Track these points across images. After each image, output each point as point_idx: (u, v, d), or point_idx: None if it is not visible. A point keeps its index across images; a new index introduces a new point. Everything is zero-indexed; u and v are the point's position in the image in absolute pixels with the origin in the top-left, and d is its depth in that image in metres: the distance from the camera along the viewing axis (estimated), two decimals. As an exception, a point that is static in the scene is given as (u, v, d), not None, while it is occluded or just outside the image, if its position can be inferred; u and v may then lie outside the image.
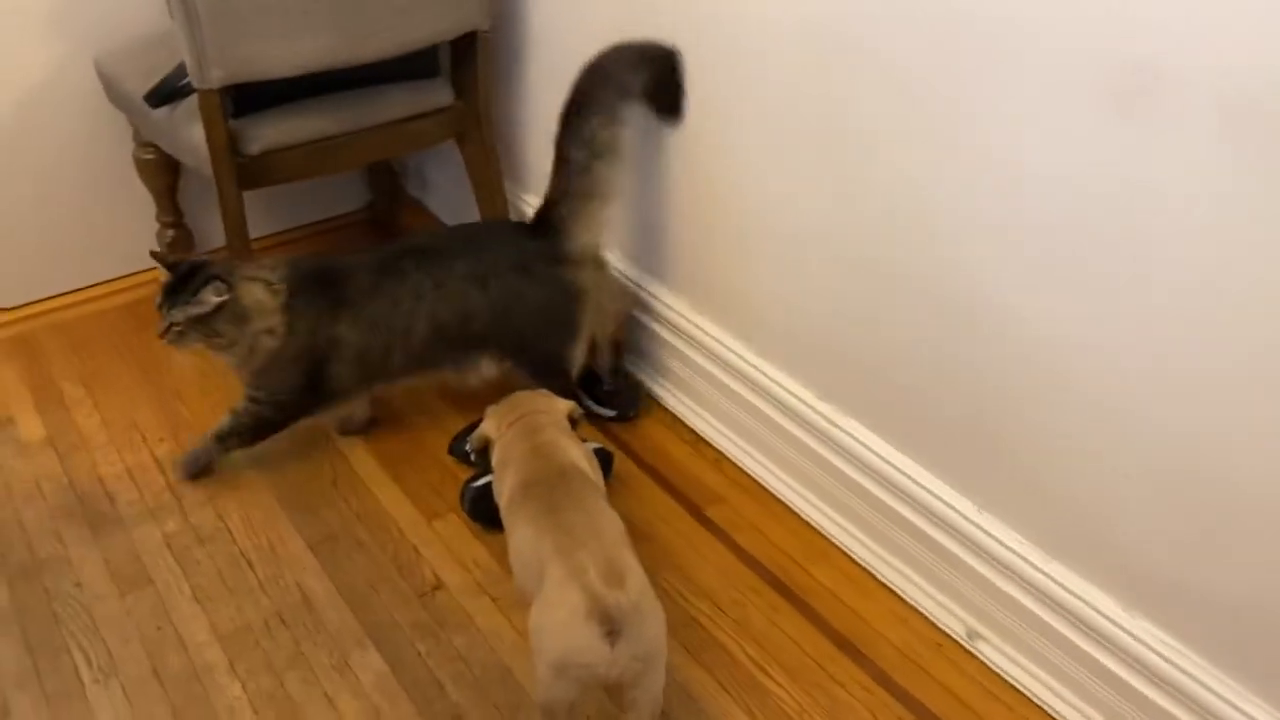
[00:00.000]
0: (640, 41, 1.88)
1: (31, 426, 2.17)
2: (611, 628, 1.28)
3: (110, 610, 1.76)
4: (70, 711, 1.60)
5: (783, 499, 1.93)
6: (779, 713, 1.57)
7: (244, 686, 1.63)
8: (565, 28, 2.12)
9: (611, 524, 1.46)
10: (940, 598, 1.69)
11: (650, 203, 2.06)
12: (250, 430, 1.98)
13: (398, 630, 1.71)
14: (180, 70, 2.04)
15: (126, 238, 2.53)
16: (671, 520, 1.91)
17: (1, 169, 2.39)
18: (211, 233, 2.48)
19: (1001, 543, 1.57)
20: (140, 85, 2.14)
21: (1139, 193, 1.26)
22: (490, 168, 2.30)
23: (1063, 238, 1.36)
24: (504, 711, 1.58)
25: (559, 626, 1.33)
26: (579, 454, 1.60)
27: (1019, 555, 1.55)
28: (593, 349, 2.03)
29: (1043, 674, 1.57)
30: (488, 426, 1.66)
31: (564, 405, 1.68)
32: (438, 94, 2.22)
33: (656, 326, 2.12)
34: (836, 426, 1.78)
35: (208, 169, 2.02)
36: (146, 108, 2.13)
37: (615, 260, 2.19)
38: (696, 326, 2.03)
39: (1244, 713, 1.34)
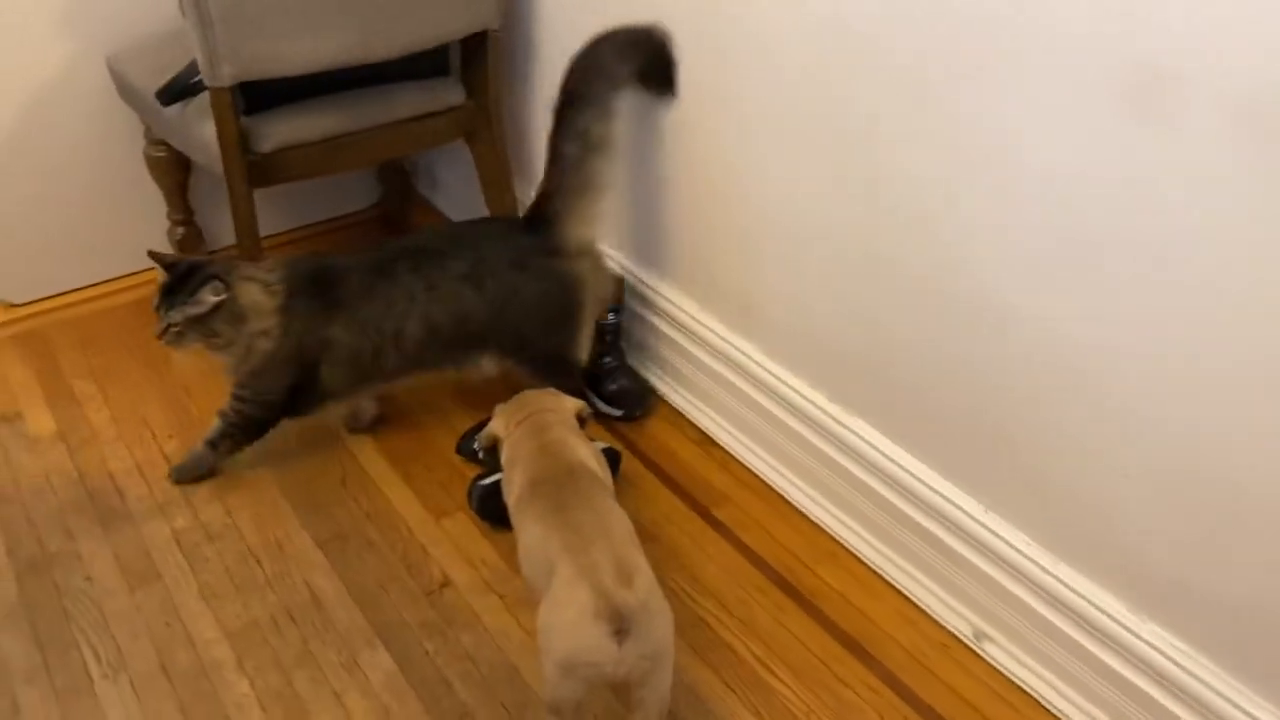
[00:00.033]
0: (625, 28, 1.88)
1: (42, 422, 2.18)
2: (620, 627, 1.29)
3: (119, 606, 1.77)
4: (79, 707, 1.61)
5: (789, 499, 1.93)
6: (785, 713, 1.58)
7: (252, 684, 1.63)
8: (576, 27, 2.11)
9: (620, 523, 1.46)
10: (947, 599, 1.69)
11: (657, 201, 2.06)
12: (240, 431, 1.98)
13: (406, 629, 1.71)
14: (192, 68, 2.05)
15: (137, 235, 2.54)
16: (678, 520, 1.91)
17: (13, 165, 2.40)
18: (222, 231, 2.49)
19: (1009, 543, 1.57)
20: (152, 83, 2.15)
21: (1145, 192, 1.26)
22: (500, 166, 2.30)
23: (1070, 238, 1.36)
24: (511, 710, 1.58)
25: (567, 625, 1.34)
26: (587, 453, 1.60)
27: (1026, 556, 1.55)
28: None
29: (1049, 675, 1.57)
30: (496, 425, 1.67)
31: (572, 404, 1.68)
32: (448, 93, 2.22)
33: (664, 326, 2.12)
34: (843, 426, 1.78)
35: (218, 166, 2.03)
36: (158, 105, 2.14)
37: (622, 258, 2.19)
38: (704, 326, 2.03)
39: (1249, 715, 1.33)
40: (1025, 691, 1.59)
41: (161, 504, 1.96)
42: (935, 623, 1.70)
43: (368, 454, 2.07)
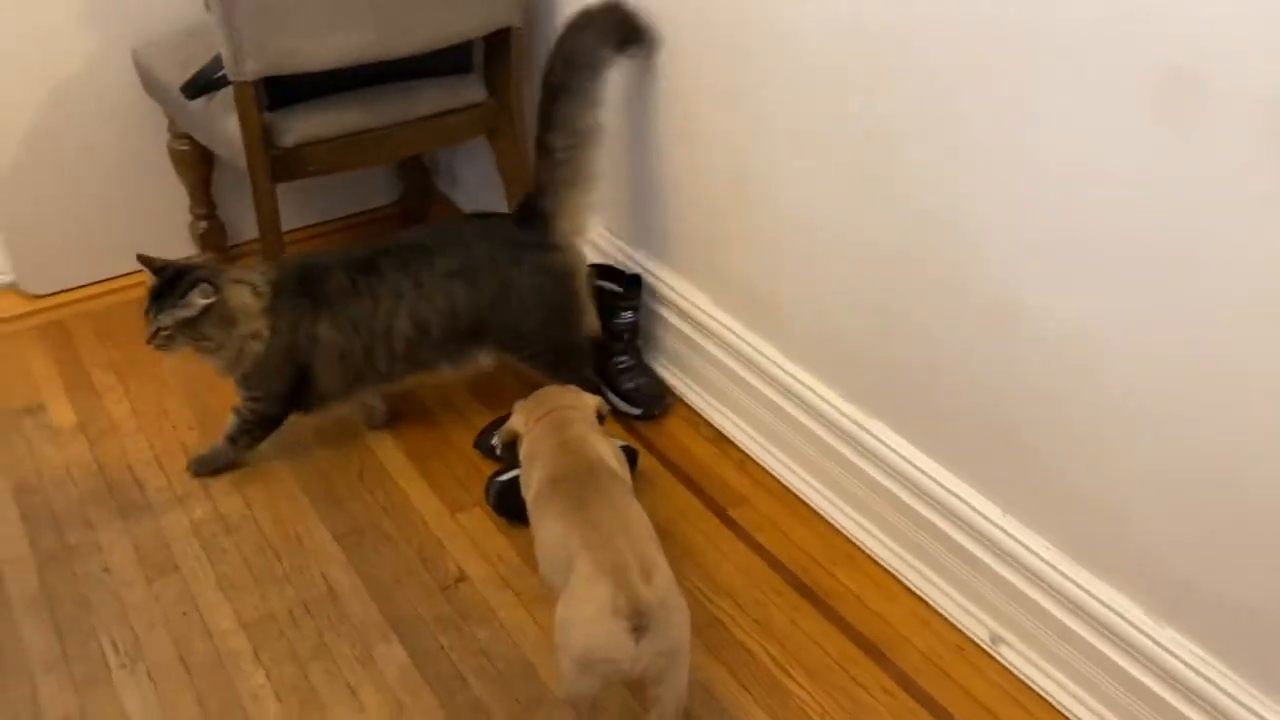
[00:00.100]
0: (593, 9, 1.90)
1: (63, 413, 2.19)
2: (638, 623, 1.29)
3: (138, 596, 1.78)
4: (97, 696, 1.62)
5: (806, 500, 1.93)
6: (800, 714, 1.57)
7: (268, 675, 1.64)
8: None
9: (639, 520, 1.46)
10: (963, 602, 1.68)
11: (675, 200, 2.06)
12: (256, 426, 1.99)
13: (421, 623, 1.72)
14: (216, 62, 2.06)
15: (159, 228, 2.56)
16: (694, 519, 1.91)
17: (37, 158, 2.42)
18: (244, 225, 2.50)
19: (1026, 547, 1.56)
20: (177, 77, 2.17)
21: (1164, 194, 1.25)
22: (521, 164, 2.31)
23: (1094, 241, 1.35)
24: (525, 705, 1.59)
25: (586, 621, 1.34)
26: (607, 450, 1.60)
27: (1043, 560, 1.54)
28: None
29: (1065, 679, 1.56)
30: (516, 421, 1.67)
31: (592, 401, 1.68)
32: (470, 90, 2.23)
33: (681, 325, 2.12)
34: (861, 428, 1.78)
35: (241, 161, 2.04)
36: (182, 99, 2.15)
37: (640, 256, 2.19)
38: (721, 325, 2.03)
39: (1270, 724, 1.33)
40: (1040, 695, 1.59)
41: (180, 496, 1.97)
42: (951, 625, 1.70)
43: (386, 449, 2.08)
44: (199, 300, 1.83)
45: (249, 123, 1.99)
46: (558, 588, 1.43)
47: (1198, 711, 1.39)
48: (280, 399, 1.96)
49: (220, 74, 2.04)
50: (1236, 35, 1.14)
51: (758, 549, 1.85)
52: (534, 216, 1.95)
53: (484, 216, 2.22)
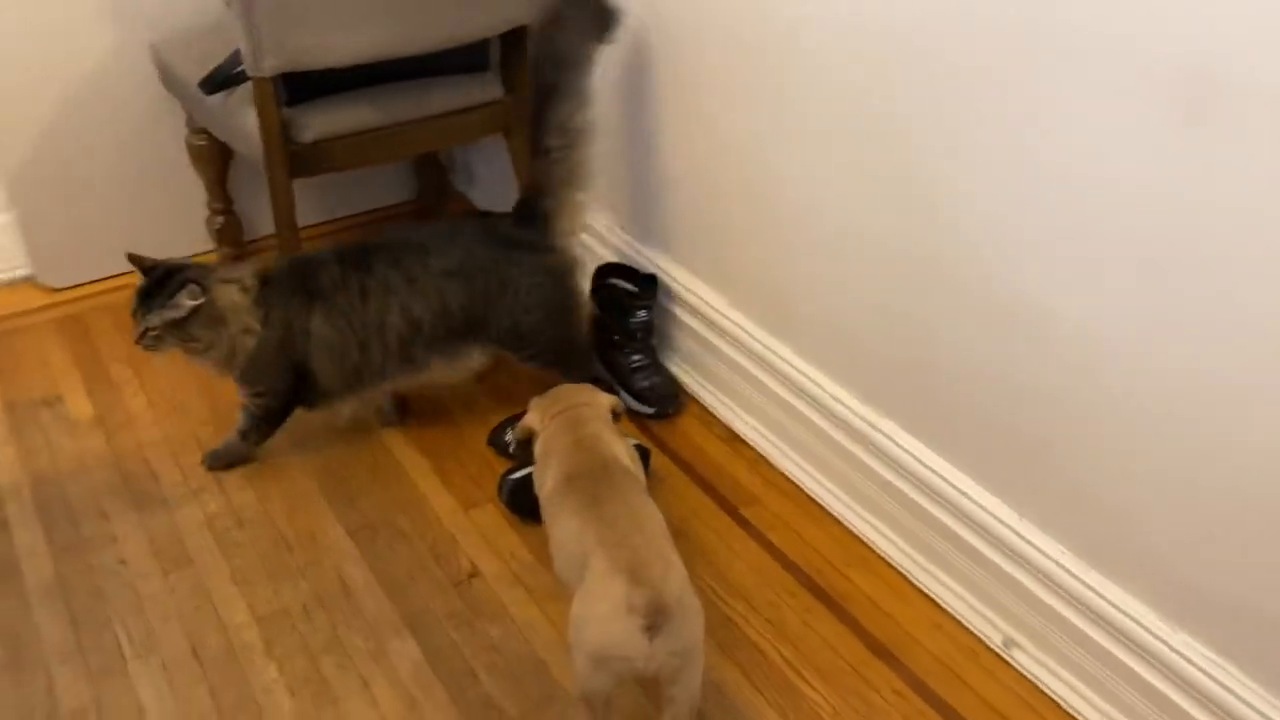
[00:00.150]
0: (567, 3, 1.90)
1: (80, 405, 2.20)
2: (652, 622, 1.29)
3: (152, 588, 1.79)
4: (112, 687, 1.62)
5: (820, 501, 1.92)
6: (813, 715, 1.57)
7: (280, 669, 1.65)
8: (623, 20, 2.12)
9: (654, 519, 1.46)
10: (977, 605, 1.68)
11: (690, 199, 2.06)
12: (264, 421, 2.00)
13: (433, 618, 1.72)
14: (235, 58, 2.07)
15: (177, 223, 2.57)
16: (707, 519, 1.91)
17: (57, 153, 2.44)
18: (261, 220, 2.51)
19: (1040, 550, 1.56)
20: (196, 72, 2.18)
21: (1184, 196, 1.24)
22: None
23: (1113, 244, 1.34)
24: (537, 702, 1.59)
25: (600, 618, 1.34)
26: (622, 449, 1.60)
27: (1057, 563, 1.54)
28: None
29: (1079, 684, 1.55)
30: (531, 418, 1.67)
31: (607, 400, 1.69)
32: (487, 88, 2.23)
33: (695, 324, 2.12)
34: (875, 429, 1.78)
35: (260, 156, 2.05)
36: (201, 94, 2.16)
37: (654, 255, 2.19)
38: (735, 324, 2.03)
39: (1285, 731, 1.32)
40: (1053, 699, 1.58)
41: (195, 489, 1.98)
42: (965, 629, 1.69)
43: (400, 445, 2.08)
44: (187, 302, 1.82)
45: (267, 118, 2.00)
46: (572, 585, 1.43)
47: (1211, 716, 1.39)
48: (282, 392, 1.96)
49: (239, 69, 2.04)
50: (1249, 34, 1.13)
51: (770, 549, 1.85)
52: (531, 217, 1.96)
53: (482, 217, 2.23)
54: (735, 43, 1.83)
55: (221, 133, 2.26)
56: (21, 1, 2.30)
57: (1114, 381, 1.40)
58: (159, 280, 1.85)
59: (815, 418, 1.89)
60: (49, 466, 2.04)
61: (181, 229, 2.56)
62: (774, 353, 1.96)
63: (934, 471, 1.69)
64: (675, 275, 2.15)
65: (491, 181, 2.75)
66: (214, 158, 2.47)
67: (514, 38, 2.18)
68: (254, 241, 2.63)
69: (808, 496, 1.94)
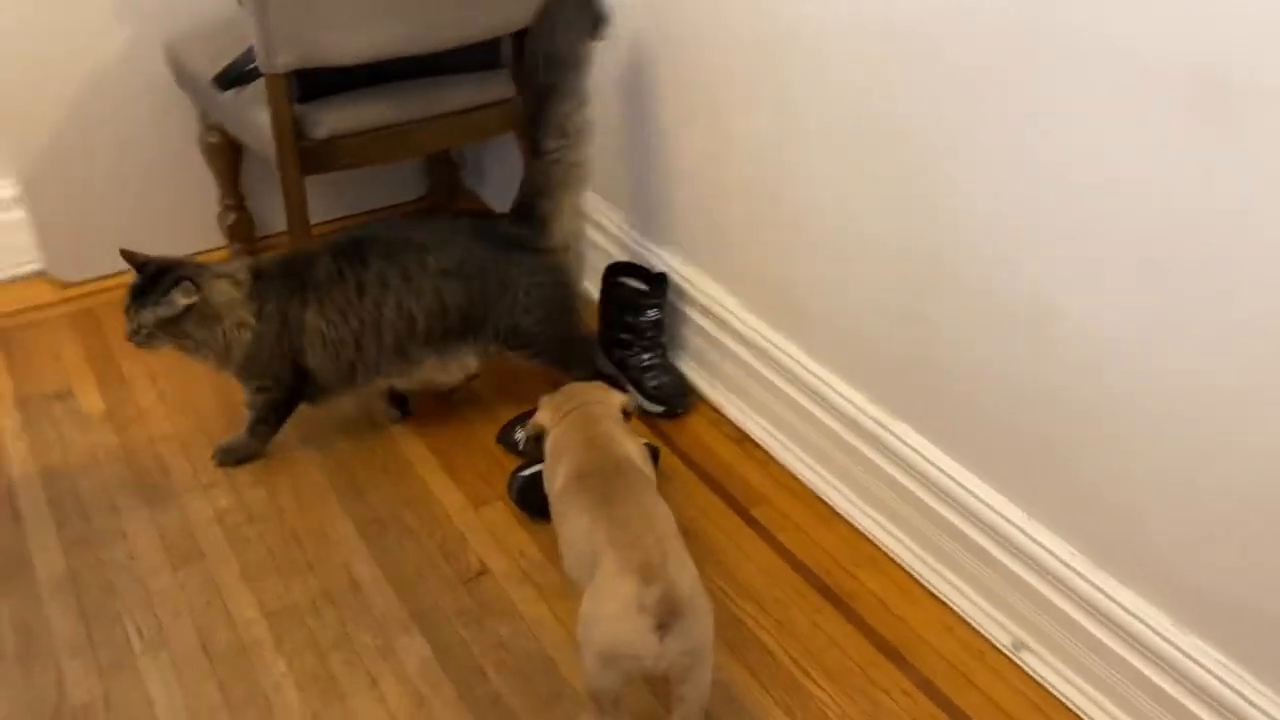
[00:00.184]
0: (561, 4, 1.91)
1: (91, 399, 2.21)
2: (662, 621, 1.29)
3: (162, 583, 1.79)
4: (121, 682, 1.63)
5: (829, 501, 1.92)
6: (820, 716, 1.57)
7: (289, 664, 1.65)
8: (630, 20, 2.12)
9: (665, 519, 1.46)
10: (987, 606, 1.68)
11: (702, 199, 2.06)
12: (270, 415, 2.00)
13: (442, 616, 1.73)
14: (248, 54, 2.07)
15: (189, 219, 2.58)
16: (716, 518, 1.91)
17: (70, 148, 2.44)
18: (272, 217, 2.51)
19: (1050, 552, 1.55)
20: (209, 68, 2.18)
21: (1209, 203, 1.24)
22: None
23: (1127, 246, 1.34)
24: (546, 700, 1.59)
25: (610, 617, 1.34)
26: (633, 447, 1.60)
27: (1067, 565, 1.53)
28: None
29: (1088, 687, 1.55)
30: (543, 416, 1.67)
31: (618, 398, 1.69)
32: (499, 86, 2.24)
33: (706, 323, 2.12)
34: (886, 429, 1.77)
35: (272, 152, 2.05)
36: (214, 90, 2.17)
37: (666, 255, 2.19)
38: (746, 324, 2.02)
39: (1296, 736, 1.32)
40: (1062, 702, 1.58)
41: (206, 485, 1.99)
42: (973, 630, 1.69)
43: (410, 442, 2.09)
44: (180, 299, 1.82)
45: (280, 115, 2.00)
46: (581, 583, 1.43)
47: (1222, 721, 1.39)
48: (284, 384, 1.96)
49: (252, 66, 2.05)
50: (1250, 35, 1.13)
51: (779, 549, 1.85)
52: (529, 218, 1.97)
53: (479, 217, 2.23)
54: (739, 42, 1.83)
55: (234, 129, 2.27)
56: (36, 1, 2.30)
57: (1120, 382, 1.40)
58: (152, 277, 1.85)
59: (825, 417, 1.89)
60: (60, 460, 2.05)
61: (193, 225, 2.57)
62: (783, 352, 1.95)
63: (943, 471, 1.69)
64: (685, 274, 2.15)
65: (502, 180, 2.75)
66: (226, 154, 2.48)
67: (525, 36, 2.18)
68: (266, 238, 2.63)
69: (817, 496, 1.94)
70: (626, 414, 1.68)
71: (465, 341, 1.96)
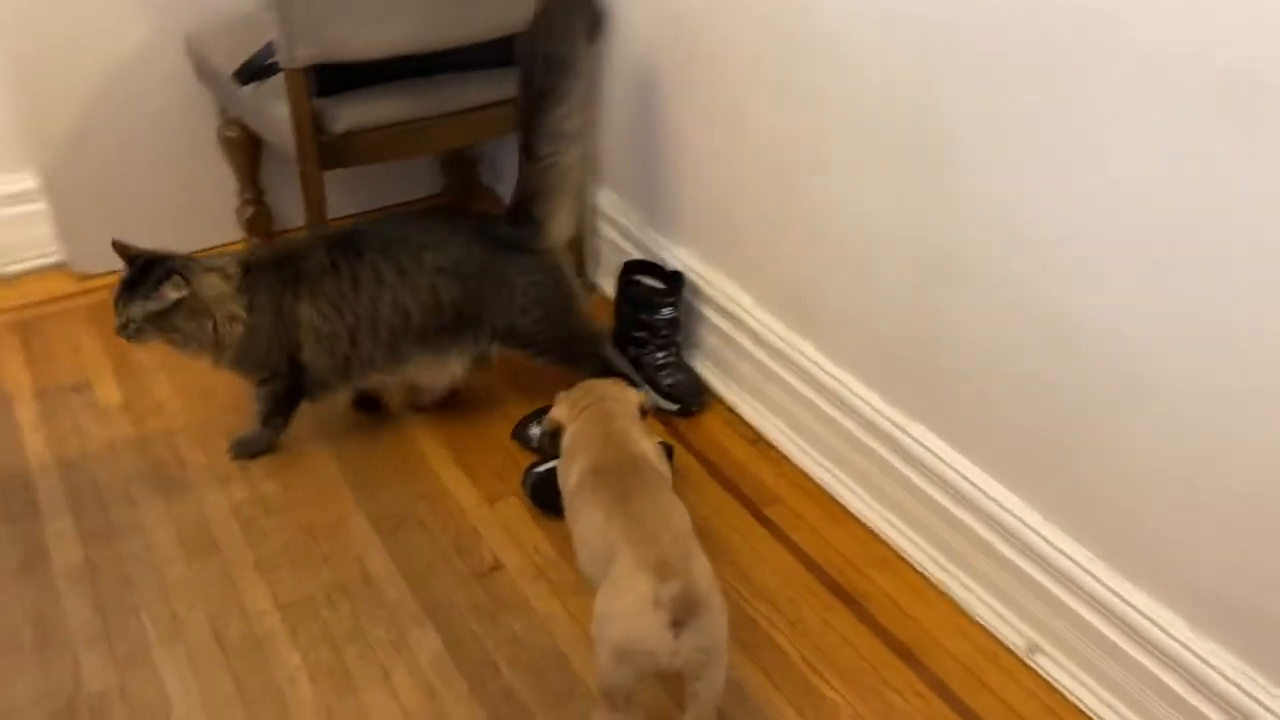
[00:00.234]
0: (555, 4, 1.91)
1: (109, 391, 2.22)
2: (678, 618, 1.29)
3: (178, 574, 1.80)
4: (136, 673, 1.64)
5: (843, 502, 1.92)
6: (832, 716, 1.57)
7: (303, 657, 1.66)
8: (646, 16, 2.12)
9: (680, 517, 1.47)
10: (1001, 609, 1.67)
11: (720, 196, 2.06)
12: (279, 405, 2.00)
13: (455, 610, 1.73)
14: (268, 49, 2.08)
15: (208, 212, 2.59)
16: (729, 517, 1.91)
17: (90, 142, 2.46)
18: (290, 211, 2.52)
19: (1066, 555, 1.55)
20: (229, 63, 2.19)
21: (1235, 207, 1.23)
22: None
23: (1150, 249, 1.33)
24: (558, 696, 1.59)
25: (625, 613, 1.34)
26: (649, 445, 1.61)
27: (1083, 569, 1.53)
28: None
29: (1103, 691, 1.54)
30: (560, 411, 1.68)
31: (635, 395, 1.69)
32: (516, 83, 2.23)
33: (721, 322, 2.12)
34: (902, 430, 1.77)
35: (291, 146, 2.06)
36: (234, 84, 2.18)
37: (682, 253, 2.19)
38: (761, 324, 2.02)
39: (1312, 743, 1.31)
40: (1076, 706, 1.57)
41: (222, 477, 2.00)
42: (987, 632, 1.68)
43: (425, 436, 2.09)
44: (170, 294, 1.82)
45: (299, 109, 2.01)
46: (595, 580, 1.43)
47: (1237, 727, 1.38)
48: (284, 375, 1.96)
49: (272, 60, 2.06)
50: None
51: (793, 549, 1.84)
52: (524, 221, 1.97)
53: (478, 217, 2.23)
54: (774, 38, 1.82)
55: (254, 123, 2.28)
56: (58, -7, 2.32)
57: (1147, 389, 1.39)
58: (142, 270, 1.84)
59: (841, 419, 1.89)
60: (78, 452, 2.06)
61: (212, 219, 2.58)
62: (799, 351, 1.95)
63: (960, 474, 1.68)
64: (702, 273, 2.15)
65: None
66: (245, 148, 2.49)
67: (523, 37, 2.18)
68: (284, 232, 2.64)
69: (831, 497, 1.93)
70: (643, 411, 1.68)
71: (458, 341, 1.96)
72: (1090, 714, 1.56)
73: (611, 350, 2.10)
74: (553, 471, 1.74)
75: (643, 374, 2.14)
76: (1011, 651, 1.65)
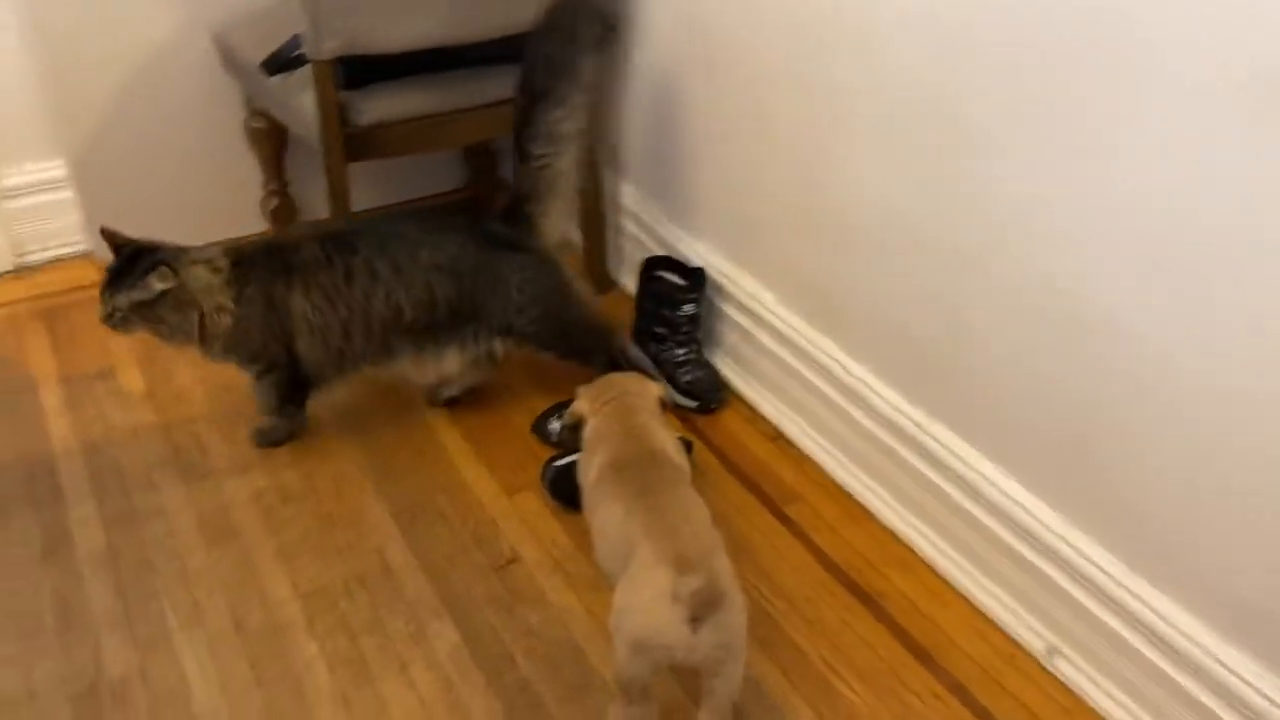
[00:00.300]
0: (565, 5, 1.90)
1: (132, 379, 2.24)
2: (696, 613, 1.29)
3: (198, 561, 1.81)
4: (156, 658, 1.65)
5: (863, 501, 1.91)
6: (849, 715, 1.56)
7: (321, 646, 1.67)
8: (672, 12, 2.12)
9: (700, 512, 1.47)
10: (1020, 611, 1.66)
11: (741, 192, 2.06)
12: (286, 392, 2.00)
13: (473, 602, 1.73)
14: (295, 41, 2.09)
15: (233, 203, 2.60)
16: (748, 514, 1.91)
17: (117, 132, 2.47)
18: (314, 203, 2.54)
19: (1088, 558, 1.54)
20: (257, 54, 2.20)
21: (1258, 206, 1.22)
22: (588, 154, 2.31)
23: (1171, 251, 1.32)
24: (575, 689, 1.59)
25: (643, 606, 1.34)
26: (669, 440, 1.61)
27: (1105, 573, 1.52)
28: None
29: (1122, 695, 1.53)
30: (581, 405, 1.68)
31: (655, 389, 1.69)
32: (541, 77, 2.24)
33: (742, 319, 2.12)
34: (923, 431, 1.76)
35: (316, 138, 2.07)
36: (261, 76, 2.19)
37: (703, 249, 2.19)
38: (783, 321, 2.02)
39: (1335, 752, 1.29)
40: (1095, 710, 1.56)
41: (243, 465, 2.01)
42: (1005, 635, 1.68)
43: (445, 429, 2.10)
44: (157, 284, 1.82)
45: (325, 100, 2.02)
46: (614, 575, 1.43)
47: (1258, 734, 1.37)
48: (281, 362, 1.96)
49: (299, 52, 2.07)
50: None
51: (812, 548, 1.84)
52: (518, 221, 1.97)
53: (472, 215, 2.23)
54: (799, 37, 1.82)
55: (280, 114, 2.29)
56: (89, -18, 2.34)
57: (1170, 392, 1.38)
58: (130, 259, 1.84)
59: (862, 418, 1.88)
60: (102, 438, 2.08)
61: (236, 209, 2.60)
62: (821, 350, 1.95)
63: (981, 475, 1.68)
64: (724, 269, 2.15)
65: (543, 171, 2.75)
66: (271, 139, 2.50)
67: (528, 37, 2.18)
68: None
69: (851, 496, 1.93)
70: (663, 405, 1.68)
71: (455, 338, 1.97)
72: (1109, 719, 1.55)
73: (626, 344, 2.10)
74: (572, 465, 1.75)
75: (662, 370, 2.14)
76: (1030, 654, 1.64)
